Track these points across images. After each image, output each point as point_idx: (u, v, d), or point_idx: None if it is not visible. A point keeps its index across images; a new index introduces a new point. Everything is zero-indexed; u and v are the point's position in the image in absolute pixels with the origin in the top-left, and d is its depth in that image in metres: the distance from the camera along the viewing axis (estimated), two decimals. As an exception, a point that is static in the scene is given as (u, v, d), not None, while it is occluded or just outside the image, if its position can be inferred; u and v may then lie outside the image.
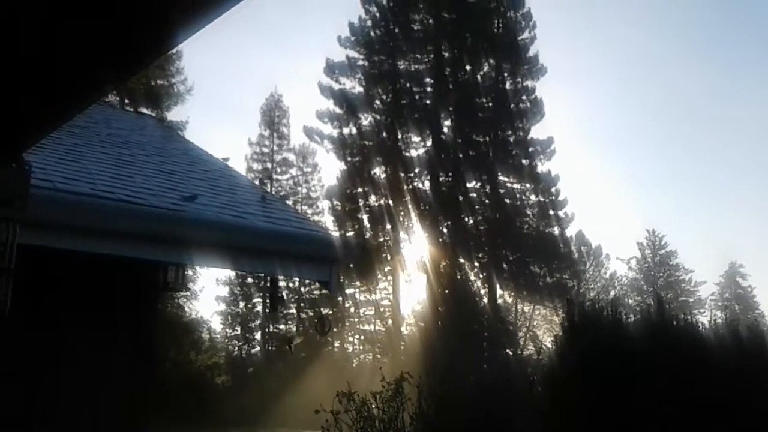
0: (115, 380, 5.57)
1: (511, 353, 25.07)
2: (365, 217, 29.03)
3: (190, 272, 30.71)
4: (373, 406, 6.23)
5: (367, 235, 28.62)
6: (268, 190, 36.40)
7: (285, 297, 33.70)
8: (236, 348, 35.47)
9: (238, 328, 36.35)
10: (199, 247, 4.76)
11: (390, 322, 33.16)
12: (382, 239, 29.00)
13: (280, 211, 6.00)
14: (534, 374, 7.49)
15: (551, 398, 6.22)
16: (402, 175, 28.53)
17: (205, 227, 4.75)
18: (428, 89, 29.42)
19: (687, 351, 5.87)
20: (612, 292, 41.97)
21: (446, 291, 26.58)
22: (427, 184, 28.90)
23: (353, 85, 29.79)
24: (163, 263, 6.00)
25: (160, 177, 5.69)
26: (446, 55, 29.20)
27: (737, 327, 6.62)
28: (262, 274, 7.26)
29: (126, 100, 24.50)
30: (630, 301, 39.88)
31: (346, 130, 29.62)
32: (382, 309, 36.31)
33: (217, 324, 36.50)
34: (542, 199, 29.18)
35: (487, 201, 29.02)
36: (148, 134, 8.49)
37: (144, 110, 23.27)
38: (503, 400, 6.77)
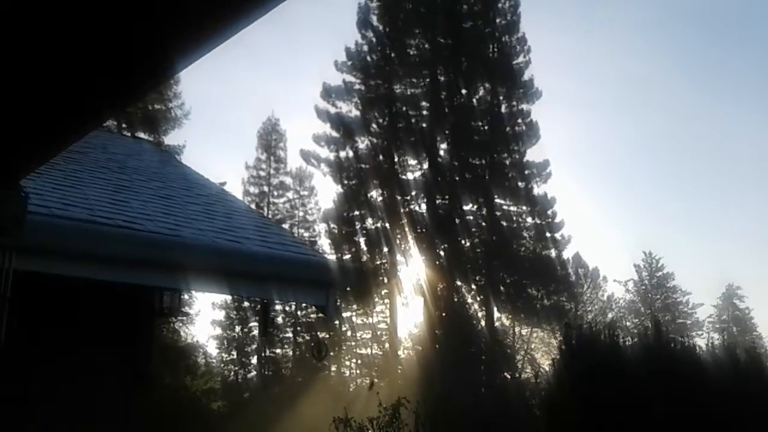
0: (112, 404, 5.54)
1: (509, 376, 24.92)
2: (362, 240, 29.05)
3: (186, 296, 30.60)
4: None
5: (364, 258, 28.59)
6: (265, 213, 36.49)
7: (276, 321, 33.54)
8: (232, 373, 35.20)
9: (234, 353, 36.14)
10: (196, 272, 4.76)
11: (387, 345, 32.99)
12: (378, 262, 28.98)
13: (277, 236, 6.01)
14: (532, 397, 7.45)
15: (549, 421, 6.19)
16: (398, 198, 28.60)
17: (201, 252, 4.75)
18: (424, 113, 29.63)
19: (684, 373, 5.86)
20: (609, 315, 41.89)
21: (443, 314, 26.50)
22: (423, 206, 28.95)
23: (350, 109, 30.01)
24: (160, 288, 5.99)
25: (156, 202, 5.71)
26: (442, 79, 29.47)
27: (735, 350, 6.62)
28: (259, 299, 7.26)
29: (123, 125, 24.58)
30: (627, 324, 39.79)
31: (342, 154, 29.76)
32: (379, 332, 36.16)
33: (213, 348, 36.31)
34: (539, 222, 29.24)
35: (483, 224, 29.06)
36: (145, 159, 8.53)
37: (141, 135, 23.38)
38: (501, 424, 6.72)
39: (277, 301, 25.79)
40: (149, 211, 5.20)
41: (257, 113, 54.84)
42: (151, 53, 1.94)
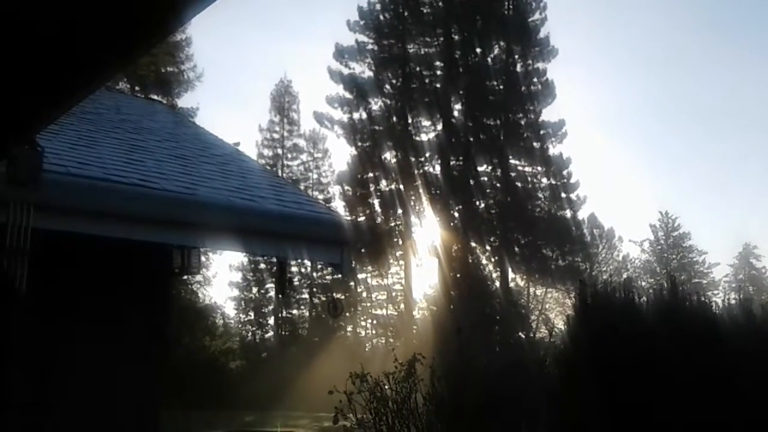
0: (130, 363, 5.64)
1: (523, 336, 25.09)
2: (376, 201, 29.09)
3: (203, 258, 30.94)
4: (386, 387, 6.27)
5: (379, 219, 28.67)
6: (280, 175, 36.50)
7: (294, 281, 33.84)
8: (250, 333, 35.79)
9: (252, 314, 36.67)
10: (211, 230, 4.78)
11: (402, 306, 33.29)
12: (393, 224, 29.06)
13: (291, 195, 6.01)
14: (546, 356, 7.49)
15: (563, 378, 6.23)
16: (413, 159, 28.49)
17: (216, 210, 4.76)
18: (438, 73, 29.29)
19: (700, 329, 5.85)
20: (625, 275, 41.82)
21: (458, 275, 26.63)
22: (437, 168, 28.86)
23: (363, 70, 29.74)
24: (176, 247, 6.05)
25: (171, 161, 5.72)
26: (456, 38, 29.02)
27: (750, 306, 6.59)
28: (274, 258, 7.31)
29: (136, 88, 24.57)
30: (643, 284, 39.73)
31: (356, 115, 29.61)
32: (394, 293, 36.45)
33: (230, 309, 36.87)
34: (554, 182, 29.07)
35: (498, 184, 28.94)
36: (159, 120, 8.52)
37: (154, 97, 23.34)
38: (515, 381, 6.78)
39: (292, 261, 26.03)
40: (164, 170, 5.21)
41: (270, 75, 54.63)
42: (157, 2, 1.91)
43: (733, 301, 7.11)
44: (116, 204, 4.28)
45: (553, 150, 29.11)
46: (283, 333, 35.35)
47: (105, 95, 8.99)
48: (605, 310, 6.32)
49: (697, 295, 6.86)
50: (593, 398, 5.68)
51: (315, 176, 39.06)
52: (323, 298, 34.66)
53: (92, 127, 6.19)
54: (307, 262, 32.31)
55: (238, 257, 35.71)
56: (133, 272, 5.68)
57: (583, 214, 32.17)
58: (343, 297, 33.25)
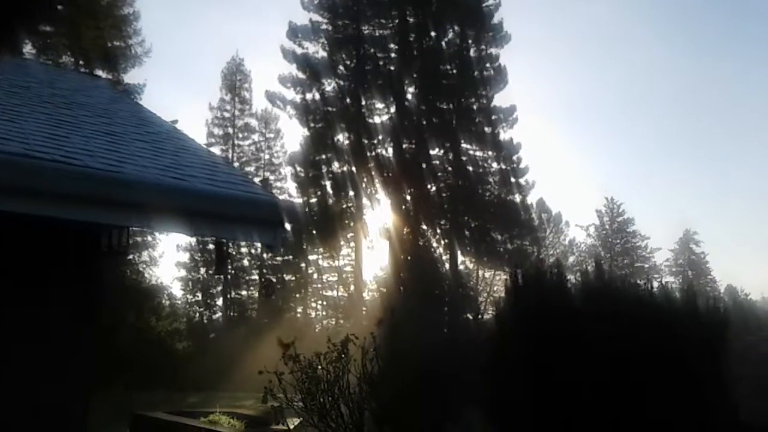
0: (58, 346, 5.52)
1: (471, 317, 25.53)
2: (328, 183, 29.01)
3: (149, 238, 30.39)
4: (319, 367, 6.33)
5: (330, 201, 28.62)
6: (230, 155, 36.02)
7: (243, 264, 33.59)
8: (197, 314, 35.40)
9: (199, 294, 36.24)
10: (139, 209, 4.69)
11: (352, 287, 33.40)
12: (345, 206, 29.05)
13: (225, 174, 5.92)
14: (481, 334, 7.68)
15: (494, 355, 6.41)
16: (365, 141, 28.47)
17: (144, 189, 4.67)
18: (392, 55, 29.23)
19: (623, 309, 6.08)
20: (571, 258, 42.87)
21: (408, 257, 26.84)
22: (390, 151, 28.91)
23: (317, 50, 29.48)
24: (103, 226, 5.92)
25: (100, 138, 5.57)
26: (411, 20, 28.97)
27: (672, 290, 6.89)
28: (208, 238, 7.24)
29: (80, 62, 23.79)
30: (588, 267, 40.75)
31: (309, 96, 29.37)
32: (344, 275, 36.54)
33: (177, 290, 36.35)
34: (504, 167, 29.46)
35: (449, 168, 29.19)
36: (94, 95, 8.26)
37: (99, 72, 22.64)
38: (449, 359, 6.94)
39: (230, 242, 25.76)
40: (91, 146, 5.08)
41: (221, 53, 53.57)
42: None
43: (656, 284, 7.42)
44: (36, 181, 4.16)
45: (504, 135, 29.51)
46: (232, 314, 35.10)
47: (39, 69, 8.70)
48: (535, 291, 6.52)
49: (624, 278, 7.13)
50: (521, 372, 5.87)
51: (267, 157, 38.67)
52: (274, 280, 34.55)
53: (18, 101, 5.98)
54: (258, 243, 32.12)
55: (186, 238, 35.23)
56: (58, 252, 5.55)
57: (531, 199, 32.78)
58: (293, 278, 33.25)
